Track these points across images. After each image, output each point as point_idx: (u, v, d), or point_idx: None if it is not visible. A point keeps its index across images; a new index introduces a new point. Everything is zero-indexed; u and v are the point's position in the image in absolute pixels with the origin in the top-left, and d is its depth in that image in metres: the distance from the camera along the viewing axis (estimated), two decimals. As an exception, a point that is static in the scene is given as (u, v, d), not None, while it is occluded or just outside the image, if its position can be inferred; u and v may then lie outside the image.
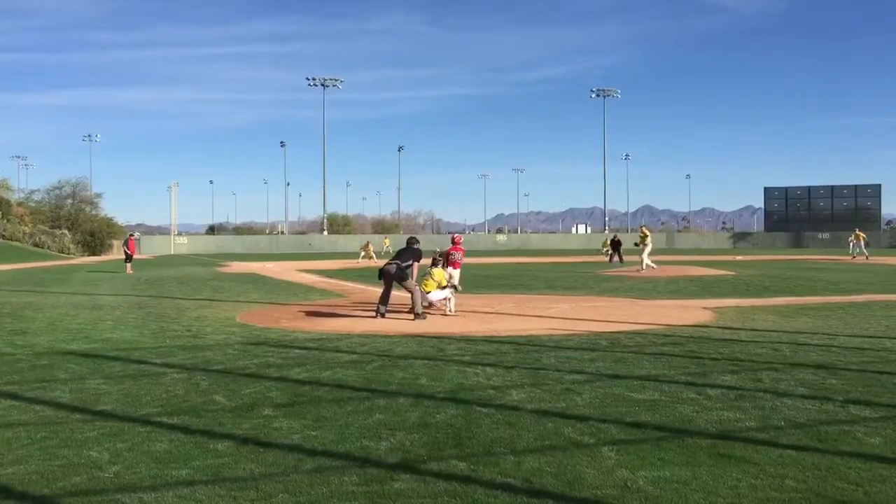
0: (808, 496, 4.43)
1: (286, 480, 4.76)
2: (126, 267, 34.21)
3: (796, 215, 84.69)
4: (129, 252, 35.75)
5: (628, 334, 11.45)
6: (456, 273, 16.16)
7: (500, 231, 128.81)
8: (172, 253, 70.78)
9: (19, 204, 75.72)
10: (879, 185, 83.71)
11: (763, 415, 6.35)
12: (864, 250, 42.97)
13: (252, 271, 34.09)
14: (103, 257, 62.09)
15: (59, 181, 79.02)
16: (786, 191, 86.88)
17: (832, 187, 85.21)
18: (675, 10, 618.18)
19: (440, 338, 11.17)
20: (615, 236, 42.22)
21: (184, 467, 5.03)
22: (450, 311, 14.08)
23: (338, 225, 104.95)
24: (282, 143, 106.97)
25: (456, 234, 19.20)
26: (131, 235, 42.81)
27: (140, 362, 9.33)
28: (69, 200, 76.94)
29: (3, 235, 64.35)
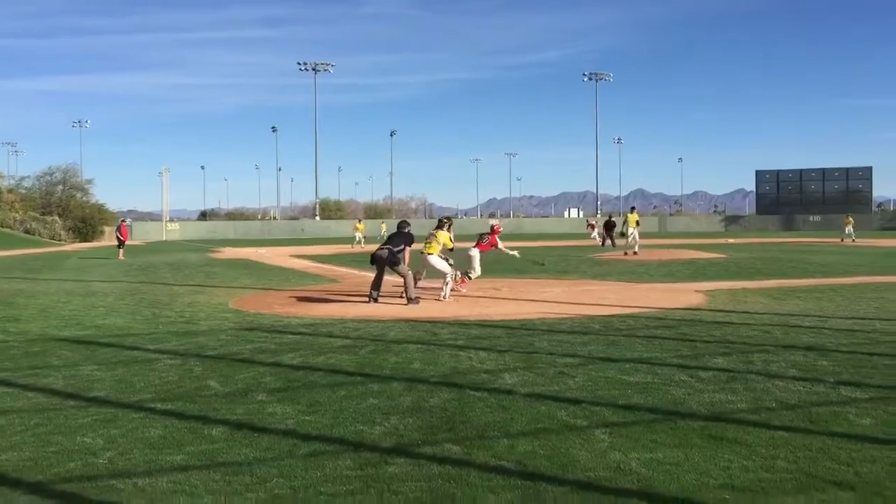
0: (799, 477, 4.47)
1: (281, 465, 4.77)
2: (119, 253, 34.14)
3: (788, 198, 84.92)
4: (121, 238, 35.67)
5: (621, 318, 11.49)
6: (476, 255, 15.98)
7: (492, 215, 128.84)
8: (164, 239, 70.62)
9: (9, 191, 75.33)
10: (871, 168, 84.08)
11: (754, 396, 6.39)
12: (852, 233, 43.38)
13: (244, 257, 34.04)
14: (95, 243, 61.91)
15: (50, 167, 78.78)
16: (777, 174, 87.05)
17: (823, 170, 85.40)
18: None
19: (433, 322, 11.19)
20: (609, 218, 42.27)
21: (178, 453, 5.04)
22: (444, 296, 14.09)
23: (330, 210, 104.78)
24: (273, 128, 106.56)
25: (496, 224, 19.30)
26: (123, 221, 42.69)
27: (133, 348, 9.33)
28: (60, 187, 76.64)
29: (-6, 222, 64.02)
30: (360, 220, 54.14)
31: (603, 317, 11.56)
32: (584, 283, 17.51)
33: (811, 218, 78.98)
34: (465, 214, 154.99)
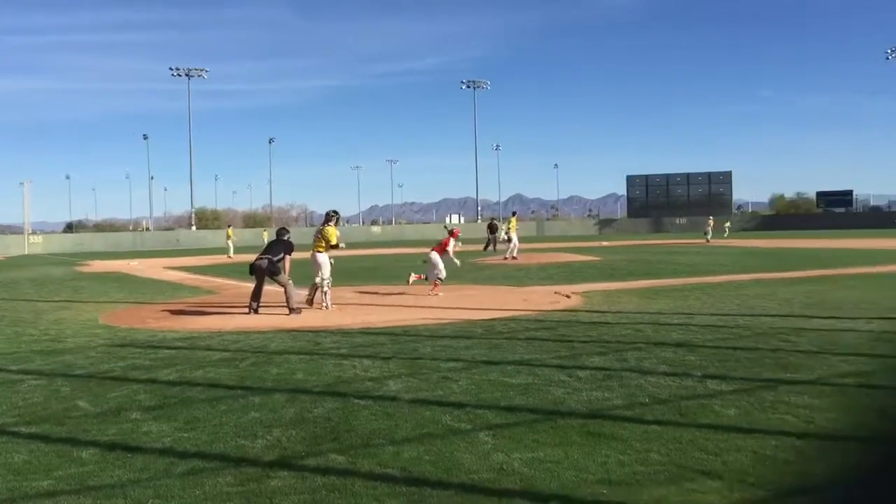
0: (670, 468, 4.68)
1: (157, 485, 4.59)
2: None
3: (656, 202, 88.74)
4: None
5: (502, 321, 11.70)
6: (437, 258, 16.78)
7: (374, 223, 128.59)
8: (27, 253, 66.62)
9: None
10: (730, 172, 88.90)
11: (629, 393, 6.65)
12: (710, 234, 47.02)
13: (115, 270, 32.55)
14: (-53, 259, 57.67)
15: None
16: (646, 178, 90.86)
17: (688, 174, 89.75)
18: (542, 1, 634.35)
19: (316, 332, 11.06)
20: (492, 220, 43.10)
21: (45, 478, 4.77)
22: (325, 305, 13.93)
23: (207, 219, 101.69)
24: (144, 135, 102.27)
25: (456, 228, 19.91)
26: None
27: (-7, 370, 8.74)
28: None
29: None
30: (229, 226, 52.51)
31: (485, 321, 11.74)
32: (465, 288, 17.73)
33: (678, 220, 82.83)
34: (348, 222, 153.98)
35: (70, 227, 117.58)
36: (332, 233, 14.27)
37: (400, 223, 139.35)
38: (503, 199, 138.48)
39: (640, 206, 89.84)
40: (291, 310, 13.22)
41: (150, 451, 5.31)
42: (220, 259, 40.09)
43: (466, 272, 23.87)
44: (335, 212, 14.76)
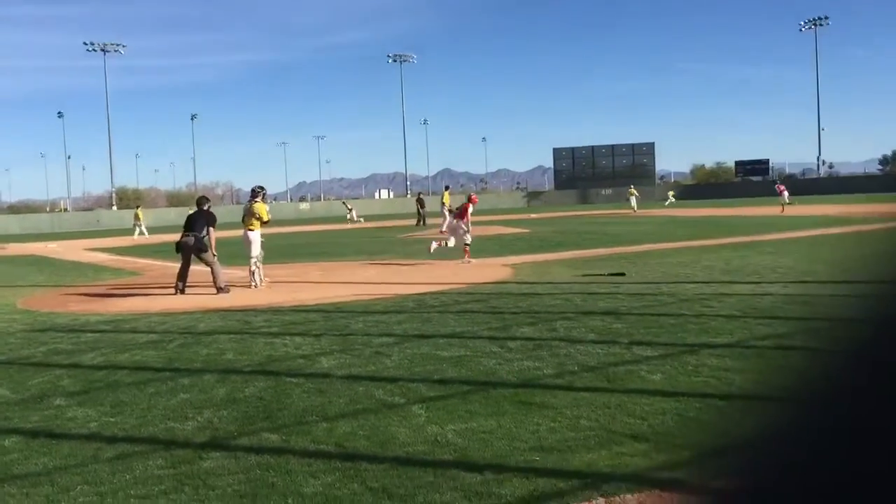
0: (600, 433, 4.81)
1: (84, 471, 4.49)
2: None
3: (582, 173, 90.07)
4: None
5: (433, 295, 11.75)
6: (461, 224, 16.97)
7: (302, 199, 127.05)
8: (-65, 237, 63.61)
9: None
10: (653, 143, 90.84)
11: (559, 362, 6.79)
12: (636, 204, 47.80)
13: (33, 252, 31.39)
14: None
15: None
16: (573, 150, 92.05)
17: (612, 146, 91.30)
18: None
19: (245, 311, 10.91)
20: (419, 195, 43.18)
21: (-35, 470, 4.61)
22: (255, 283, 13.72)
23: (128, 199, 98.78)
24: (59, 113, 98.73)
25: (473, 195, 20.06)
26: None
27: None
28: None
29: None
30: (138, 206, 49.31)
31: (416, 295, 11.76)
32: (396, 264, 17.72)
33: (603, 191, 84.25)
34: (276, 199, 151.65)
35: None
36: (262, 209, 14.06)
37: (329, 199, 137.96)
38: (432, 173, 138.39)
39: (566, 178, 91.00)
40: (219, 289, 12.99)
41: (75, 437, 5.18)
42: (146, 239, 39.01)
43: (397, 247, 23.84)
44: (261, 187, 14.53)
